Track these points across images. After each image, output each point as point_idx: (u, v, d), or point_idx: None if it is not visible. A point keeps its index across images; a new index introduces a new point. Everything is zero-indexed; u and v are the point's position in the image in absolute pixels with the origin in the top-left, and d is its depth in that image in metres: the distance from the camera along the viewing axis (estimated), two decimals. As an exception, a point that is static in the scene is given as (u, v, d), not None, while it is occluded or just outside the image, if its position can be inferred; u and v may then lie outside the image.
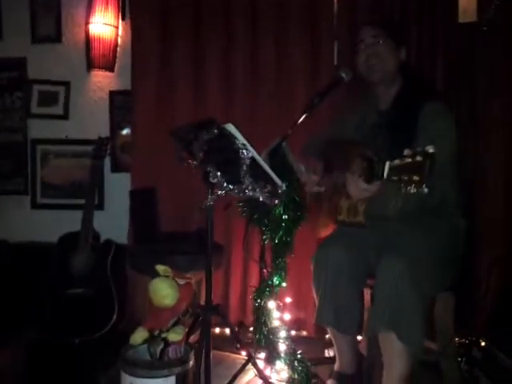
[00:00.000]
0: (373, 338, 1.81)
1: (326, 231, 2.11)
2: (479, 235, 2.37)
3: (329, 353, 2.35)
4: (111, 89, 3.00)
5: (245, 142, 1.63)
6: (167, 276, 1.82)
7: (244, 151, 1.63)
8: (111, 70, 2.96)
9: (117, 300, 2.49)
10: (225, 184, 1.74)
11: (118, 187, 2.97)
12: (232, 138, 1.63)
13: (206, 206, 1.79)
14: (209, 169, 1.74)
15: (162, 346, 1.72)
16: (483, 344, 1.98)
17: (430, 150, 1.31)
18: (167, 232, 2.65)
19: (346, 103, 2.36)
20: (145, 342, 1.74)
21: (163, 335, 1.72)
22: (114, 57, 2.95)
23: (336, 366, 2.05)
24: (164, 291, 1.76)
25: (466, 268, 2.21)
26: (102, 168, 2.94)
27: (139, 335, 1.74)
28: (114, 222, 2.89)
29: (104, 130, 2.95)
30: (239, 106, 2.73)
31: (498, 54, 2.35)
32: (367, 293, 2.05)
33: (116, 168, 3.03)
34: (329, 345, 2.37)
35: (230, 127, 1.62)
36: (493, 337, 1.97)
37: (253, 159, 1.64)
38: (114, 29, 2.92)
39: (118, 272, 2.59)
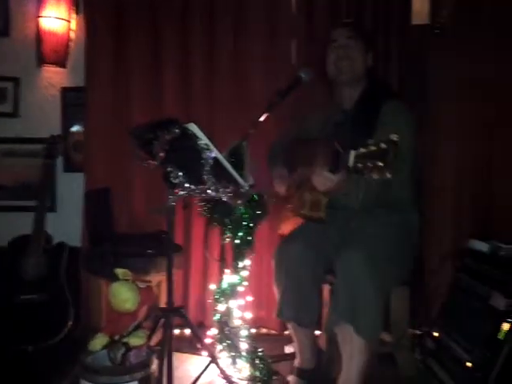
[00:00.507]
0: (332, 333, 1.85)
1: (287, 227, 2.15)
2: (430, 231, 2.47)
3: (289, 349, 2.38)
4: (63, 85, 2.90)
5: (207, 141, 1.62)
6: (127, 279, 1.78)
7: (207, 151, 1.62)
8: (63, 65, 2.86)
9: (71, 304, 2.41)
10: (187, 184, 1.72)
11: (70, 188, 2.88)
12: (194, 137, 1.62)
13: (167, 207, 1.76)
14: (170, 169, 1.72)
15: (123, 350, 1.69)
16: (436, 334, 2.06)
17: (394, 137, 1.38)
18: (123, 233, 2.59)
19: (309, 103, 2.40)
20: (105, 347, 1.70)
21: (124, 340, 1.68)
22: (67, 52, 2.85)
23: (296, 362, 2.08)
24: (124, 295, 1.72)
25: (419, 262, 2.31)
26: (54, 168, 2.83)
27: (99, 341, 1.69)
28: (66, 224, 2.80)
29: (56, 129, 2.85)
30: (197, 103, 2.71)
31: (449, 57, 2.44)
32: (326, 288, 2.10)
33: (69, 168, 2.93)
34: (289, 341, 2.40)
35: (193, 127, 1.61)
36: (444, 327, 2.05)
37: (216, 159, 1.64)
38: (66, 23, 2.82)
39: (72, 276, 2.51)
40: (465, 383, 1.79)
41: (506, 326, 1.69)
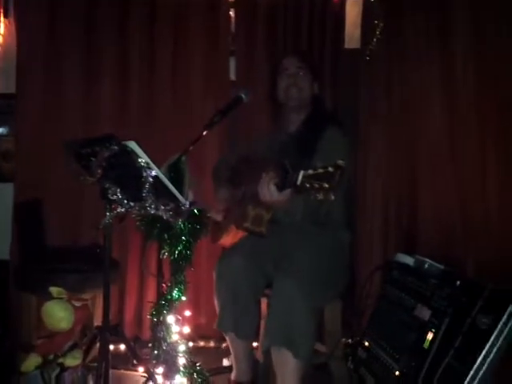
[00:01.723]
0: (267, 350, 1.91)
1: (226, 239, 2.18)
2: (360, 245, 2.60)
3: (227, 362, 2.40)
4: (-9, 92, 2.77)
5: (148, 160, 1.61)
6: (62, 298, 1.73)
7: (147, 170, 1.61)
8: (-10, 71, 2.74)
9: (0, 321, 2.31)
10: (125, 201, 1.71)
11: (-1, 198, 2.75)
12: (134, 155, 1.61)
13: (105, 223, 1.74)
14: (107, 185, 1.70)
15: (57, 371, 1.64)
16: (367, 344, 2.16)
17: (341, 163, 1.48)
18: (56, 247, 2.50)
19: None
20: (38, 368, 1.65)
21: (59, 360, 1.64)
22: (-5, 57, 2.73)
23: (233, 375, 2.11)
24: (59, 314, 1.68)
25: (351, 274, 2.41)
26: (-20, 177, 2.70)
27: (32, 361, 1.64)
28: (-6, 236, 2.67)
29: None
30: (134, 116, 2.68)
31: (378, 83, 2.59)
32: (264, 302, 2.14)
33: (-3, 177, 2.80)
34: (227, 354, 2.42)
35: (133, 145, 1.60)
36: (374, 337, 2.15)
37: (156, 177, 1.64)
38: (-6, 27, 2.70)
39: (0, 291, 2.40)
40: (393, 391, 1.90)
41: (430, 336, 1.81)
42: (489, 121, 2.51)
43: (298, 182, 1.55)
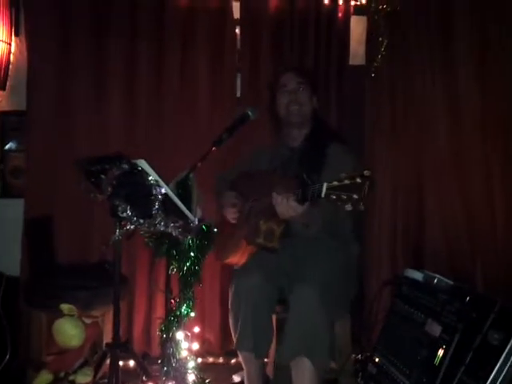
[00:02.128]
0: (283, 364, 1.91)
1: (233, 257, 2.18)
2: (369, 260, 2.59)
3: (237, 378, 2.39)
4: (2, 109, 2.80)
5: (157, 178, 1.63)
6: (72, 315, 1.74)
7: (156, 187, 1.63)
8: (2, 88, 2.77)
9: (9, 337, 2.31)
10: (135, 218, 1.72)
11: (7, 214, 2.77)
12: (144, 174, 1.63)
13: (114, 240, 1.75)
14: (117, 203, 1.71)
15: (67, 389, 1.65)
16: (377, 360, 2.15)
17: (368, 173, 1.49)
18: (65, 264, 2.52)
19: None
20: (48, 385, 1.65)
21: (70, 378, 1.65)
22: (6, 74, 2.77)
23: (245, 393, 2.10)
24: (70, 332, 1.70)
25: (359, 289, 2.41)
26: (-10, 194, 2.73)
27: (43, 378, 1.66)
28: (3, 252, 2.67)
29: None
30: (142, 133, 2.71)
31: (383, 99, 2.60)
32: (274, 318, 2.14)
33: (6, 193, 2.82)
34: (235, 370, 2.42)
35: (142, 163, 1.62)
36: (384, 353, 2.14)
37: (165, 195, 1.65)
38: (5, 45, 2.75)
39: (10, 307, 2.40)
40: (404, 407, 1.88)
41: (440, 352, 1.80)
42: (493, 135, 2.52)
43: (323, 194, 1.55)
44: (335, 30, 2.65)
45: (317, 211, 1.79)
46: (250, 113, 2.02)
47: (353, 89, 2.67)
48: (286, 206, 1.74)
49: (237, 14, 2.73)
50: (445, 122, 2.54)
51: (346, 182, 1.50)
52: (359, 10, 2.72)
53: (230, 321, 2.07)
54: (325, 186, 1.54)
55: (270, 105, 2.24)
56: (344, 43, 2.67)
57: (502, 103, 2.52)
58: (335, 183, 1.52)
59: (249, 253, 2.12)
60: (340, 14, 2.67)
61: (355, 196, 1.47)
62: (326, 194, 1.54)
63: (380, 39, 2.46)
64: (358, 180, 1.48)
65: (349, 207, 1.49)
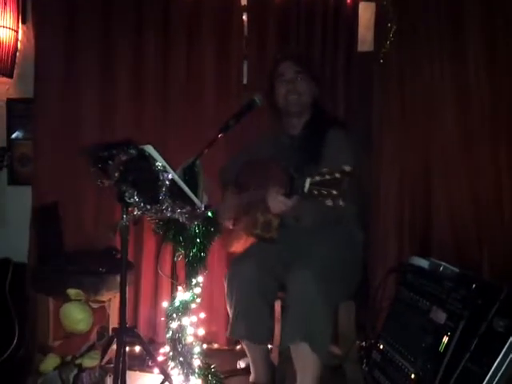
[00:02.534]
0: (286, 349, 1.92)
1: (237, 245, 2.19)
2: (374, 246, 2.59)
3: (242, 364, 2.41)
4: (9, 96, 2.82)
5: (164, 163, 1.64)
6: (79, 300, 1.76)
7: (164, 173, 1.64)
8: (9, 75, 2.78)
9: (17, 323, 2.33)
10: (142, 204, 1.73)
11: (15, 201, 2.80)
12: (151, 159, 1.63)
13: (121, 226, 1.76)
14: (124, 188, 1.72)
15: (75, 372, 1.67)
16: (381, 347, 2.16)
17: (347, 168, 1.47)
18: (73, 250, 2.53)
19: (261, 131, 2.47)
20: (56, 368, 1.67)
21: (77, 361, 1.66)
22: (13, 62, 2.78)
23: (251, 378, 2.13)
24: (77, 316, 1.71)
25: (365, 276, 2.41)
26: (-2, 181, 2.75)
27: (50, 362, 1.67)
28: (12, 239, 2.71)
29: (1, 141, 2.76)
30: (149, 120, 2.71)
31: (391, 85, 2.58)
32: (278, 305, 2.15)
33: (14, 181, 2.84)
34: (240, 356, 2.44)
35: (150, 149, 1.62)
36: (389, 340, 2.15)
37: (172, 181, 1.66)
38: (13, 32, 2.76)
39: (17, 293, 2.42)
40: (408, 394, 1.89)
41: (445, 339, 1.81)
42: (503, 122, 2.49)
43: (306, 190, 1.54)
44: (343, 16, 2.63)
45: (308, 205, 1.76)
46: (256, 99, 2.01)
47: (361, 75, 2.64)
48: (276, 200, 1.76)
49: (244, 1, 2.71)
50: (453, 110, 2.52)
51: (327, 177, 1.49)
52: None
53: (227, 308, 2.10)
54: (308, 181, 1.53)
55: (268, 94, 2.20)
56: (352, 29, 2.64)
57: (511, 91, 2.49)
58: (317, 178, 1.51)
59: (250, 242, 2.14)
60: (348, 0, 2.64)
61: (334, 192, 1.46)
62: (308, 189, 1.53)
63: (389, 25, 2.43)
64: (338, 175, 1.47)
65: (329, 202, 1.48)
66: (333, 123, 2.14)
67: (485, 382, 1.63)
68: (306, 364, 1.83)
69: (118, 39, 2.69)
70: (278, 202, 1.76)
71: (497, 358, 1.63)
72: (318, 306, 1.79)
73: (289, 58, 2.18)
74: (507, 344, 1.62)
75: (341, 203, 1.46)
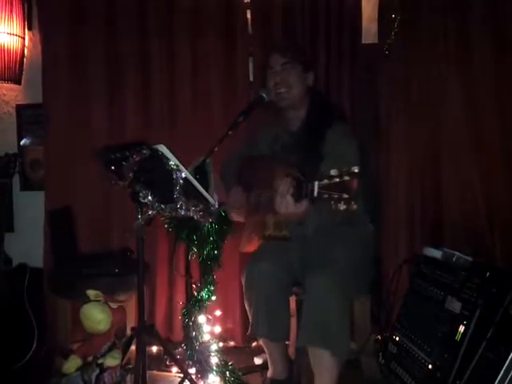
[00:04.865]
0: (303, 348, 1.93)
1: (250, 246, 2.20)
2: (386, 239, 2.59)
3: (258, 361, 2.43)
4: (18, 102, 2.85)
5: (177, 162, 1.65)
6: (99, 300, 1.78)
7: (177, 172, 1.65)
8: (18, 82, 2.81)
9: (36, 327, 2.36)
10: (156, 204, 1.74)
11: (28, 207, 2.83)
12: (164, 159, 1.64)
13: (137, 226, 1.78)
14: (138, 189, 1.74)
15: (97, 372, 1.69)
16: (397, 339, 2.17)
17: (355, 170, 1.41)
18: (87, 253, 2.56)
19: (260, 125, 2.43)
20: (78, 369, 1.70)
21: (99, 361, 1.69)
22: (21, 69, 2.81)
23: (269, 373, 2.14)
24: (97, 317, 1.73)
25: (378, 269, 2.42)
26: (11, 187, 2.77)
27: (72, 363, 1.70)
28: (26, 244, 2.74)
29: (12, 147, 2.80)
30: (158, 121, 2.72)
31: (397, 77, 2.57)
32: (293, 300, 2.16)
33: (26, 186, 2.88)
34: (257, 353, 2.46)
35: (163, 148, 1.64)
36: (404, 331, 2.15)
37: (185, 179, 1.67)
38: (19, 39, 2.78)
39: (35, 297, 2.45)
40: (426, 384, 1.90)
41: (461, 328, 1.81)
42: (510, 109, 2.48)
43: (315, 194, 1.48)
44: (346, 9, 2.61)
45: (314, 209, 1.68)
46: (264, 95, 2.02)
47: (366, 67, 2.63)
48: (286, 206, 1.65)
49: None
50: (460, 98, 2.50)
51: (336, 180, 1.42)
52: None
53: (246, 307, 2.10)
54: (316, 184, 1.47)
55: (263, 87, 2.13)
56: (356, 22, 2.63)
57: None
58: (326, 181, 1.44)
59: (261, 241, 2.13)
60: None
61: (345, 195, 1.40)
62: (318, 193, 1.47)
63: (393, 16, 2.41)
64: (347, 178, 1.40)
65: (342, 206, 1.40)
66: (332, 117, 2.08)
67: (502, 369, 1.63)
68: (324, 367, 1.84)
69: (123, 42, 2.70)
70: (288, 208, 1.65)
71: (514, 344, 1.63)
72: (337, 311, 1.80)
73: (276, 50, 2.12)
74: (524, 330, 1.63)
75: (354, 207, 1.40)
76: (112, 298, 1.94)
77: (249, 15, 2.71)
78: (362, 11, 2.66)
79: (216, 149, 1.99)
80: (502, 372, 1.63)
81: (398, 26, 2.43)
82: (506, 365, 1.63)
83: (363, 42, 2.68)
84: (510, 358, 1.63)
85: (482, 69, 2.49)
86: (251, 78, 2.74)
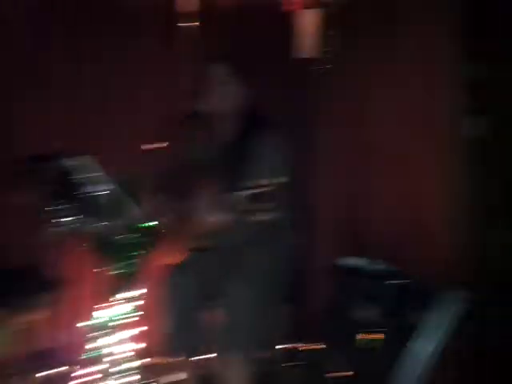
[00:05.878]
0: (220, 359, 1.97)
1: (172, 257, 2.15)
2: (309, 250, 2.62)
3: (180, 376, 2.35)
4: None
5: (101, 174, 1.59)
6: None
7: (98, 185, 1.57)
8: None
9: None
10: (71, 218, 1.64)
11: None
12: (85, 171, 1.56)
13: (48, 242, 1.66)
14: (52, 202, 1.63)
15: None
16: (316, 347, 2.18)
17: (279, 180, 1.52)
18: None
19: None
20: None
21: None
22: None
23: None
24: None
25: (298, 278, 2.44)
26: None
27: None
28: None
29: None
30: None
31: (330, 93, 2.62)
32: (212, 314, 2.12)
33: None
34: (179, 368, 2.38)
35: (86, 159, 1.56)
36: (323, 340, 2.18)
37: (108, 192, 1.60)
38: None
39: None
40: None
41: (378, 336, 1.89)
42: (440, 121, 2.44)
43: (239, 204, 1.53)
44: (282, 23, 2.65)
45: (237, 220, 1.72)
46: (197, 107, 2.04)
47: (300, 82, 2.67)
48: (209, 218, 1.75)
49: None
50: (393, 110, 2.49)
51: (256, 191, 1.49)
52: (308, 3, 2.69)
53: (164, 321, 2.10)
54: (238, 196, 1.52)
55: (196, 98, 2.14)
56: (291, 37, 2.67)
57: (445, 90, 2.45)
58: (246, 193, 1.50)
59: (184, 254, 2.14)
60: (287, 7, 2.66)
61: (268, 206, 1.47)
62: (239, 204, 1.52)
63: (329, 32, 2.43)
64: (270, 189, 1.48)
65: (263, 216, 1.48)
66: (263, 130, 2.10)
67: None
68: (235, 375, 1.92)
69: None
70: (210, 219, 1.74)
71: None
72: (251, 321, 1.87)
73: (213, 61, 2.15)
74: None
75: (277, 217, 1.47)
76: (16, 318, 1.77)
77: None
78: (300, 25, 2.68)
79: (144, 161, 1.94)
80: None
81: (333, 42, 2.46)
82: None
83: (298, 56, 2.70)
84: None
85: (413, 78, 2.44)
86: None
